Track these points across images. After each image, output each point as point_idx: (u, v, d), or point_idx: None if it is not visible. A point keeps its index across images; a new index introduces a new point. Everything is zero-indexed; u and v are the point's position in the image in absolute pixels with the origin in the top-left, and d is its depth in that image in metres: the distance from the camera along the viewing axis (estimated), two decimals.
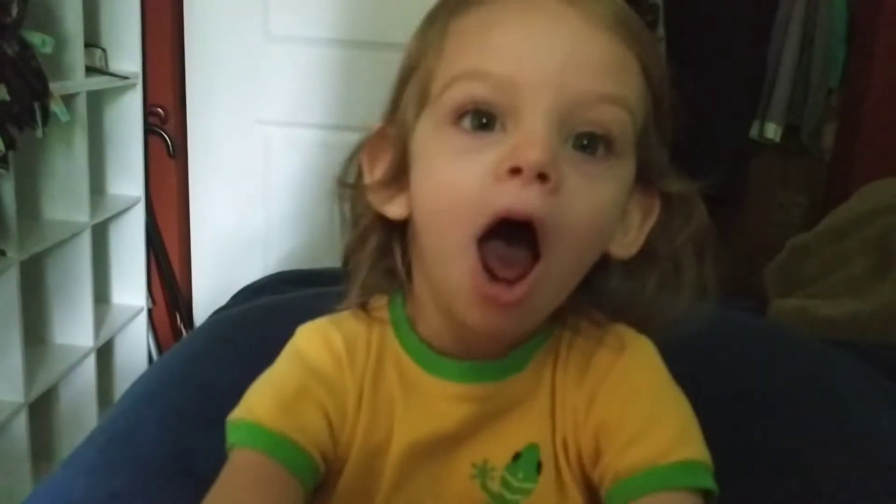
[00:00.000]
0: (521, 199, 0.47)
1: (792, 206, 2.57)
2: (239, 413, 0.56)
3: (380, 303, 0.61)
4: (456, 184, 0.49)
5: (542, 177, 0.47)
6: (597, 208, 0.50)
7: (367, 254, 0.60)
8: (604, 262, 0.56)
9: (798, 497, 0.72)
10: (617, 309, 0.58)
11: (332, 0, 2.00)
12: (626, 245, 0.56)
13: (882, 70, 2.27)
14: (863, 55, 2.32)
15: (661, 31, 2.28)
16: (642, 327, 0.59)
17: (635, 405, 0.55)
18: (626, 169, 0.52)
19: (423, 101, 0.54)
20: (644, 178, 0.55)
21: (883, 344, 1.12)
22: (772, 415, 0.77)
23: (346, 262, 0.61)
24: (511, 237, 0.49)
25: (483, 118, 0.50)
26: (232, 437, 0.55)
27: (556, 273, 0.51)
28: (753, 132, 2.39)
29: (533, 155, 0.46)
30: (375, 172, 0.58)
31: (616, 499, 0.53)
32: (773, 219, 2.55)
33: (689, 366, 0.59)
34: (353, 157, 0.60)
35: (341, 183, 0.60)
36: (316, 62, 2.04)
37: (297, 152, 2.09)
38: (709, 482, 0.52)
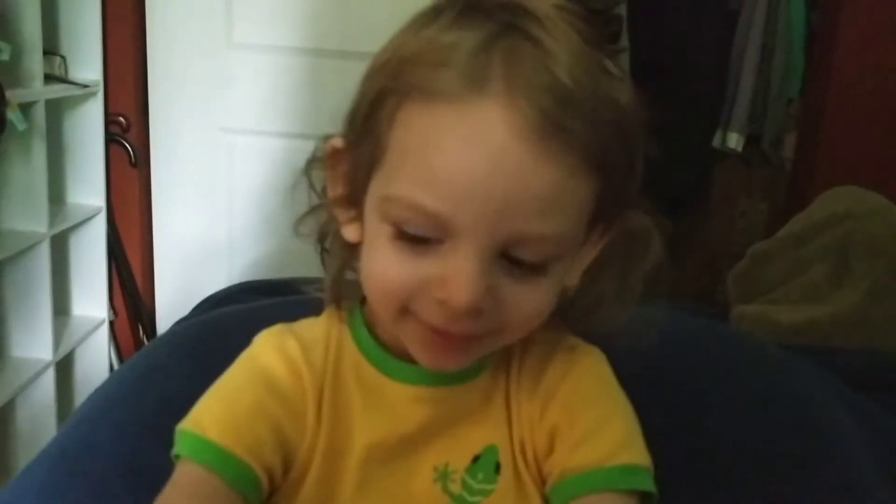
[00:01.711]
0: (452, 324, 0.50)
1: (753, 213, 2.61)
2: (187, 423, 0.56)
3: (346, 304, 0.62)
4: (395, 282, 0.51)
5: (471, 311, 0.49)
6: (532, 306, 0.52)
7: (332, 263, 0.60)
8: None
9: (756, 498, 0.73)
10: (568, 314, 0.59)
11: (296, 8, 2.00)
12: (570, 279, 0.56)
13: (840, 79, 2.31)
14: (821, 65, 2.36)
15: (624, 41, 2.30)
16: (590, 331, 0.61)
17: (585, 411, 0.58)
18: (561, 266, 0.53)
19: (373, 168, 0.53)
20: (601, 218, 0.55)
21: (842, 349, 1.14)
22: (730, 419, 0.78)
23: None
24: None
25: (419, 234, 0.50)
26: (178, 447, 0.55)
27: (500, 342, 0.55)
28: (716, 141, 2.43)
29: (463, 299, 0.48)
30: (337, 188, 0.58)
31: (560, 494, 0.56)
32: (735, 226, 2.59)
33: (648, 371, 0.60)
34: (310, 168, 0.60)
35: (315, 204, 0.61)
36: (279, 70, 2.03)
37: (261, 161, 2.07)
38: (649, 485, 0.56)
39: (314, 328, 0.61)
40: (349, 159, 0.55)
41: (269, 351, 0.59)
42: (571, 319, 0.59)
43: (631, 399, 0.60)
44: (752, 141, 2.42)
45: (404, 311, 0.52)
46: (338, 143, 0.56)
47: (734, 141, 2.40)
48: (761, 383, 0.82)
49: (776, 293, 1.33)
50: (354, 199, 0.56)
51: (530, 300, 0.52)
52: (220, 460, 0.53)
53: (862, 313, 1.22)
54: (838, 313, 1.22)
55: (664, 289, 0.60)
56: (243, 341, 0.61)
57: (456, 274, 0.49)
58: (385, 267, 0.52)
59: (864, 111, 2.30)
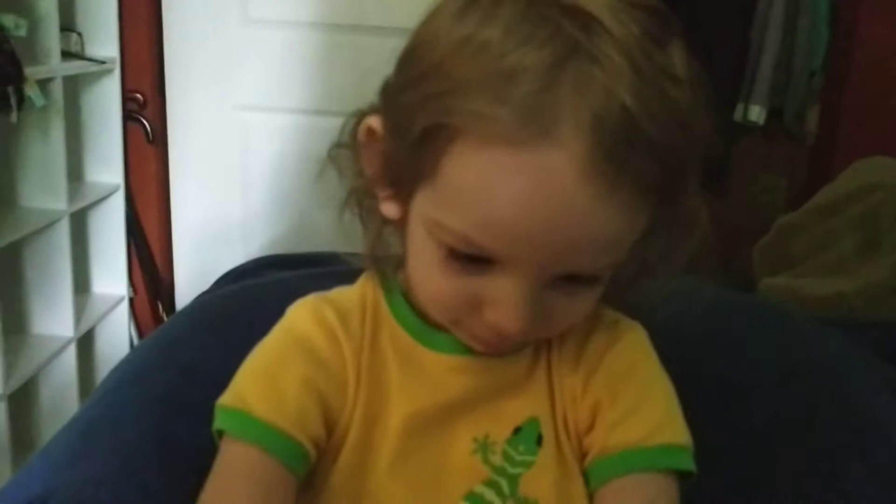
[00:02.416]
0: (500, 340, 0.52)
1: (774, 189, 2.57)
2: (230, 399, 0.55)
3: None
4: (443, 295, 0.52)
5: (521, 335, 0.51)
6: (581, 312, 0.54)
7: (368, 235, 0.59)
8: None
9: (799, 475, 0.72)
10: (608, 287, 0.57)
11: None
12: None
13: (864, 53, 2.27)
14: (845, 38, 2.32)
15: None
16: (630, 304, 0.60)
17: (627, 388, 0.57)
18: (609, 275, 0.53)
19: (421, 179, 0.50)
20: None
21: (872, 322, 1.12)
22: (767, 393, 0.77)
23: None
24: None
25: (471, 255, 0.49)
26: (223, 423, 0.55)
27: (546, 336, 0.57)
28: (737, 115, 2.39)
29: (513, 326, 0.50)
30: (373, 166, 0.56)
31: (599, 472, 0.56)
32: (756, 202, 2.56)
33: (684, 344, 0.59)
34: (336, 150, 0.59)
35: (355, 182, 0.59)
36: (295, 46, 2.02)
37: (277, 137, 2.07)
38: (688, 464, 0.55)
39: (350, 297, 0.60)
40: (388, 145, 0.52)
41: (307, 320, 0.58)
42: (610, 292, 0.57)
43: (668, 372, 0.59)
44: (773, 115, 2.38)
45: (455, 320, 0.54)
46: (374, 123, 0.54)
47: (756, 114, 2.35)
48: (798, 356, 0.80)
49: (804, 266, 1.31)
50: (394, 183, 0.54)
51: (580, 309, 0.53)
52: (270, 438, 0.53)
53: (891, 286, 1.20)
54: (867, 286, 1.20)
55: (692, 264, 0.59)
56: (264, 314, 0.60)
57: (507, 301, 0.49)
58: (435, 283, 0.51)
59: (888, 85, 2.26)
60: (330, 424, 0.56)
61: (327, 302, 0.59)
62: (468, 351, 0.56)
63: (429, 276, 0.52)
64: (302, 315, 0.58)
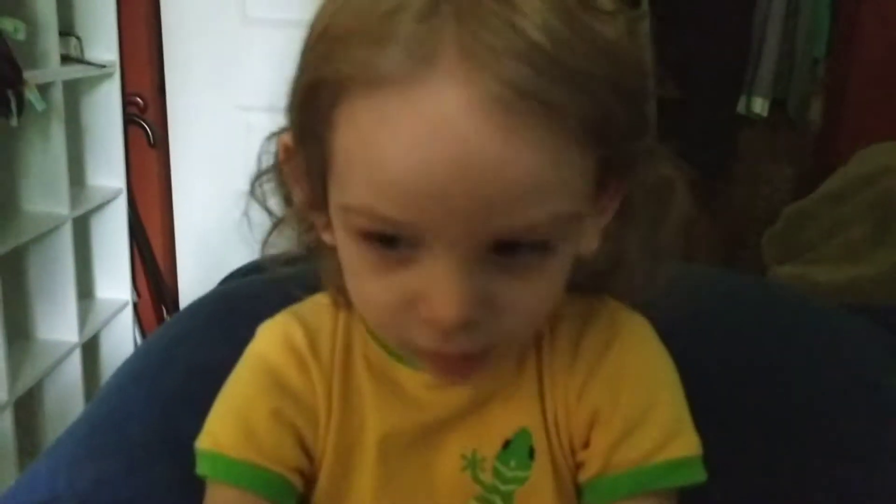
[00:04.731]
0: (445, 344, 0.44)
1: (779, 179, 2.56)
2: (205, 442, 0.54)
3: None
4: (377, 304, 0.46)
5: (462, 325, 0.42)
6: (536, 301, 0.45)
7: (328, 269, 0.54)
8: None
9: (817, 460, 0.70)
10: (597, 274, 0.52)
11: None
12: (586, 246, 0.48)
13: (868, 39, 2.26)
14: (848, 24, 2.31)
15: (644, 5, 2.26)
16: (626, 294, 0.55)
17: (630, 393, 0.52)
18: (569, 243, 0.45)
19: (325, 173, 0.45)
20: (611, 176, 0.46)
21: (887, 307, 1.10)
22: (788, 378, 0.75)
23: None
24: None
25: (388, 238, 0.43)
26: (201, 468, 0.54)
27: (512, 345, 0.50)
28: (740, 107, 2.38)
29: (449, 314, 0.42)
30: (302, 190, 0.50)
31: (602, 490, 0.52)
32: (761, 193, 2.55)
33: (698, 331, 0.57)
34: (259, 180, 0.55)
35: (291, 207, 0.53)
36: (296, 45, 2.00)
37: None
38: (697, 475, 0.51)
39: (321, 314, 0.56)
40: (298, 149, 0.47)
41: (276, 346, 0.55)
42: (592, 283, 0.53)
43: (680, 361, 0.54)
44: (776, 104, 2.37)
45: (402, 337, 0.46)
46: (287, 139, 0.49)
47: (759, 106, 2.34)
48: (818, 340, 0.78)
49: (814, 253, 1.29)
50: (317, 195, 0.48)
51: (533, 296, 0.44)
52: (246, 475, 0.52)
53: None
54: (880, 272, 1.18)
55: (699, 247, 0.56)
56: (269, 308, 0.58)
57: (437, 288, 0.42)
58: (366, 287, 0.46)
59: (892, 71, 2.25)
60: (309, 453, 0.54)
61: (297, 321, 0.56)
62: None
63: (359, 282, 0.46)
64: (271, 340, 0.56)
